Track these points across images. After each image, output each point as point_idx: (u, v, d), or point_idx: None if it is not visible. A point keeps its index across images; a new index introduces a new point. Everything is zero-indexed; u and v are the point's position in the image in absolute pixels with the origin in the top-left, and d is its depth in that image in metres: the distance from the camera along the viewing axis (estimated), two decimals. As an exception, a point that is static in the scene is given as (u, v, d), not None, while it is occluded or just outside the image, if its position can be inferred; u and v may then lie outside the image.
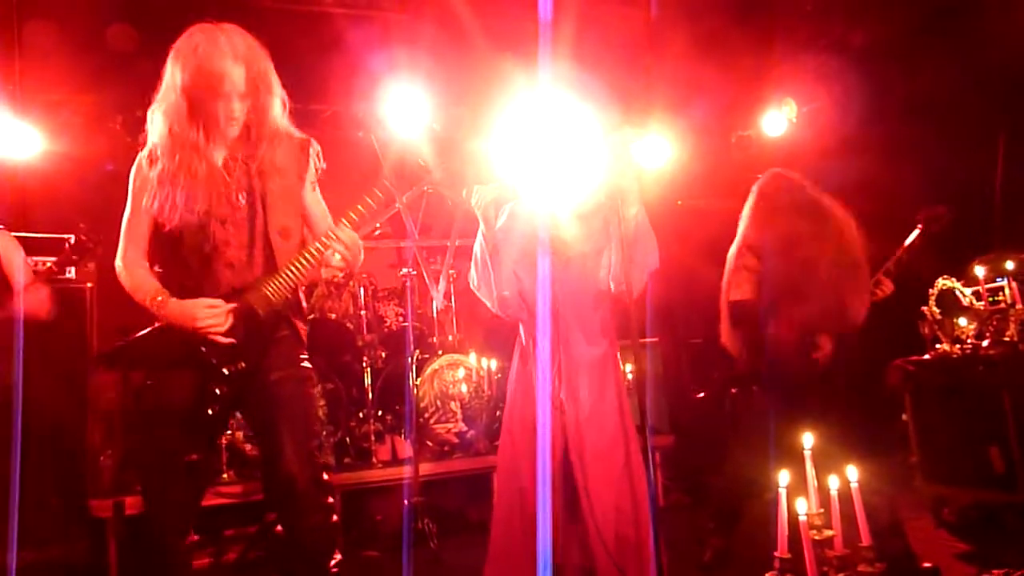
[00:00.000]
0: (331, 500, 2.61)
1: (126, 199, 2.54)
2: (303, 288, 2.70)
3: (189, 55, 2.39)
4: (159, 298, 2.43)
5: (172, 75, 2.43)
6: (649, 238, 2.86)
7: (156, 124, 2.49)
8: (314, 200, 2.66)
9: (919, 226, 3.42)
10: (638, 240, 2.78)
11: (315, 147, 2.64)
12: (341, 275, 2.67)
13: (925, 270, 3.95)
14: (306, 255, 2.47)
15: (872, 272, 3.41)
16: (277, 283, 2.46)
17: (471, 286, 3.08)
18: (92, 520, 3.93)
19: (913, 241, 3.44)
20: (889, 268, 3.46)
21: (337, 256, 2.48)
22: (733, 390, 3.59)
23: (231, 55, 2.38)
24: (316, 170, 2.64)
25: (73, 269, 3.96)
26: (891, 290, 3.44)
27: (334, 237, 2.45)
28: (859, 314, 3.25)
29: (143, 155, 2.54)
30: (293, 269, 2.46)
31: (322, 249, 2.46)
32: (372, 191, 2.51)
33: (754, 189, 3.56)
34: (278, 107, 2.53)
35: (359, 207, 2.49)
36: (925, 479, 4.06)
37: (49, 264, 3.27)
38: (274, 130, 2.53)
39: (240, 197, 2.48)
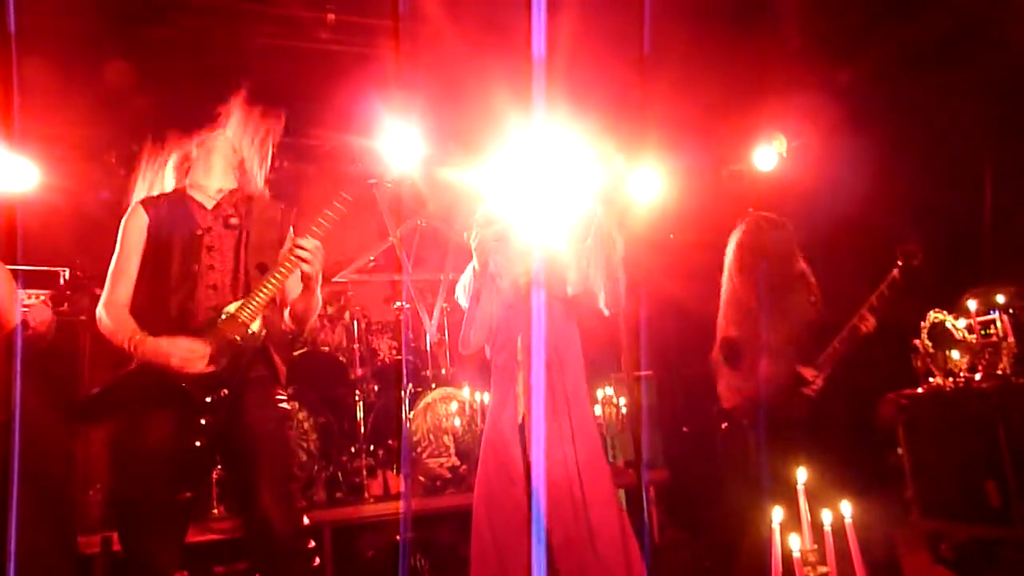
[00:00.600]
0: (312, 544, 2.58)
1: (116, 242, 2.59)
2: (288, 321, 2.73)
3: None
4: (136, 337, 2.45)
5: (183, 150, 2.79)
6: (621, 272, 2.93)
7: (165, 169, 2.78)
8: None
9: (899, 262, 3.47)
10: (619, 271, 2.85)
11: (293, 215, 2.82)
12: (308, 292, 2.69)
13: (914, 304, 3.99)
14: (275, 275, 2.54)
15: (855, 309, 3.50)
16: (250, 307, 2.52)
17: (459, 301, 3.14)
18: (79, 557, 3.87)
19: (894, 277, 3.49)
20: (872, 303, 3.49)
21: (309, 269, 2.56)
22: (724, 425, 3.59)
23: (224, 157, 2.80)
24: (292, 234, 2.78)
25: (66, 303, 3.95)
26: (874, 325, 3.48)
27: (299, 247, 2.52)
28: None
29: (137, 198, 2.66)
30: (264, 289, 2.54)
31: (289, 267, 2.54)
32: (333, 202, 2.62)
33: (736, 231, 3.70)
34: (265, 168, 2.81)
35: (320, 220, 2.59)
36: (921, 514, 4.04)
37: (43, 298, 3.27)
38: (261, 188, 2.79)
39: (226, 229, 2.64)
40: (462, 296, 3.15)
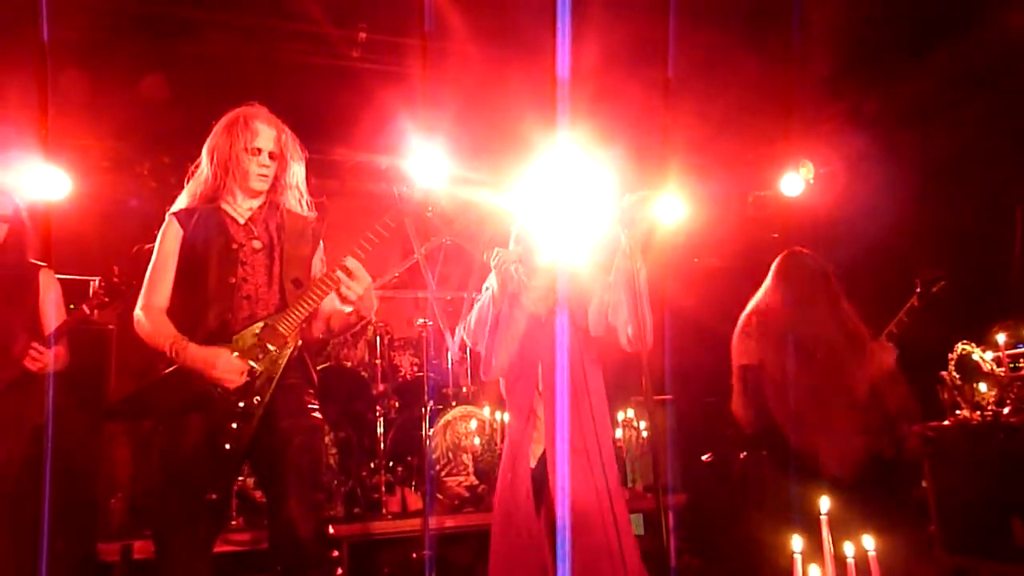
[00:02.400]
0: (336, 554, 2.60)
1: (153, 252, 2.63)
2: (320, 333, 2.77)
3: (233, 121, 2.73)
4: (179, 343, 2.50)
5: (216, 139, 2.74)
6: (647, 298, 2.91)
7: (199, 176, 2.76)
8: (320, 271, 2.80)
9: (917, 289, 3.46)
10: (644, 297, 2.83)
11: (324, 227, 2.86)
12: (355, 318, 2.70)
13: (936, 334, 3.95)
14: (316, 290, 2.59)
15: (875, 337, 3.46)
16: (287, 320, 2.57)
17: (464, 335, 3.12)
18: (99, 564, 3.90)
19: (913, 304, 3.46)
20: (892, 331, 3.47)
21: (349, 292, 2.57)
22: (743, 454, 3.56)
23: (266, 120, 2.74)
24: (323, 249, 2.85)
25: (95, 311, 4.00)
26: (895, 353, 3.44)
27: (341, 270, 2.55)
28: (862, 389, 3.32)
29: (174, 209, 2.71)
30: (301, 306, 2.58)
31: (329, 282, 2.57)
32: (377, 225, 2.64)
33: (774, 264, 3.63)
34: (301, 179, 2.81)
35: (363, 242, 2.61)
36: (944, 549, 3.97)
37: (82, 306, 3.33)
38: (294, 202, 2.79)
39: (257, 244, 2.68)
40: (472, 319, 3.13)
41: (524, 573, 2.82)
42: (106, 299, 3.30)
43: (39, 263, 3.48)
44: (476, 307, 3.15)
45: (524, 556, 2.83)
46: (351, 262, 2.57)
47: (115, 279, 3.28)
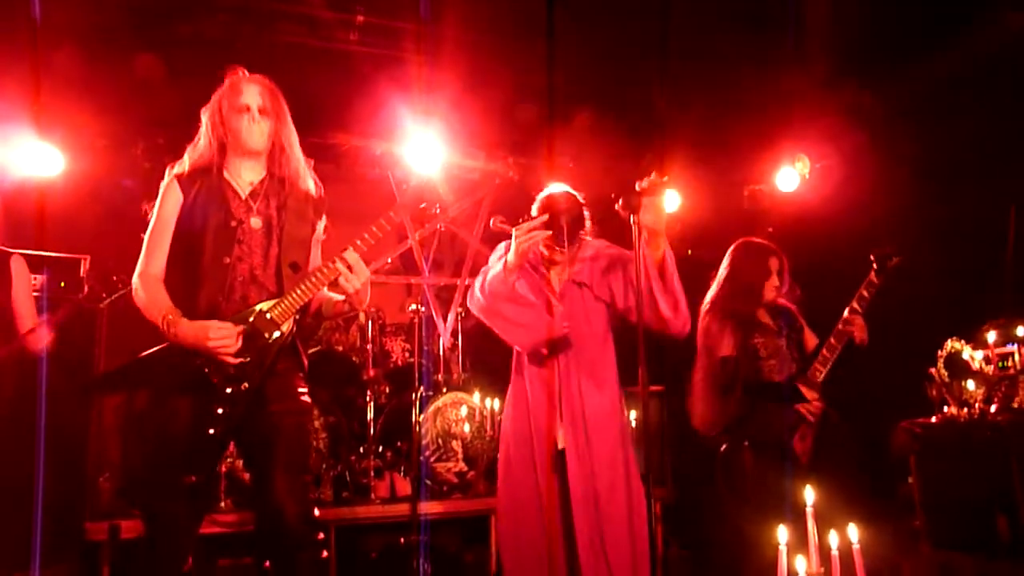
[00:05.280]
0: (321, 536, 2.60)
1: (149, 216, 2.62)
2: (312, 316, 2.75)
3: (223, 87, 2.70)
4: (171, 316, 2.47)
5: (210, 106, 2.69)
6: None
7: (197, 144, 2.70)
8: (317, 255, 2.78)
9: (873, 264, 3.52)
10: (675, 275, 2.82)
11: (325, 205, 2.80)
12: (347, 307, 2.68)
13: (926, 331, 4.00)
14: (313, 279, 2.55)
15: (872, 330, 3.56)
16: (282, 307, 2.53)
17: (473, 307, 3.06)
18: (86, 543, 3.90)
19: (871, 279, 3.54)
20: (855, 307, 3.54)
21: (347, 285, 2.54)
22: (723, 447, 3.59)
23: (251, 79, 2.70)
24: (324, 228, 2.79)
25: (85, 290, 3.99)
26: (863, 325, 3.53)
27: (342, 261, 2.52)
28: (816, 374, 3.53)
29: (176, 171, 2.65)
30: (299, 291, 2.54)
31: (328, 273, 2.54)
32: (380, 219, 2.60)
33: (729, 251, 3.80)
34: (295, 142, 2.72)
35: (366, 235, 2.58)
36: (930, 544, 4.00)
37: (64, 285, 3.32)
38: (295, 174, 2.72)
39: (256, 222, 2.62)
40: (478, 289, 3.02)
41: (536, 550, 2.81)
42: (103, 295, 3.30)
43: (9, 250, 3.46)
44: (485, 281, 3.03)
45: (537, 534, 2.82)
46: (351, 255, 2.53)
47: (113, 277, 3.28)
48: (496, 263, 2.98)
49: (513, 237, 2.87)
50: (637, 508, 2.82)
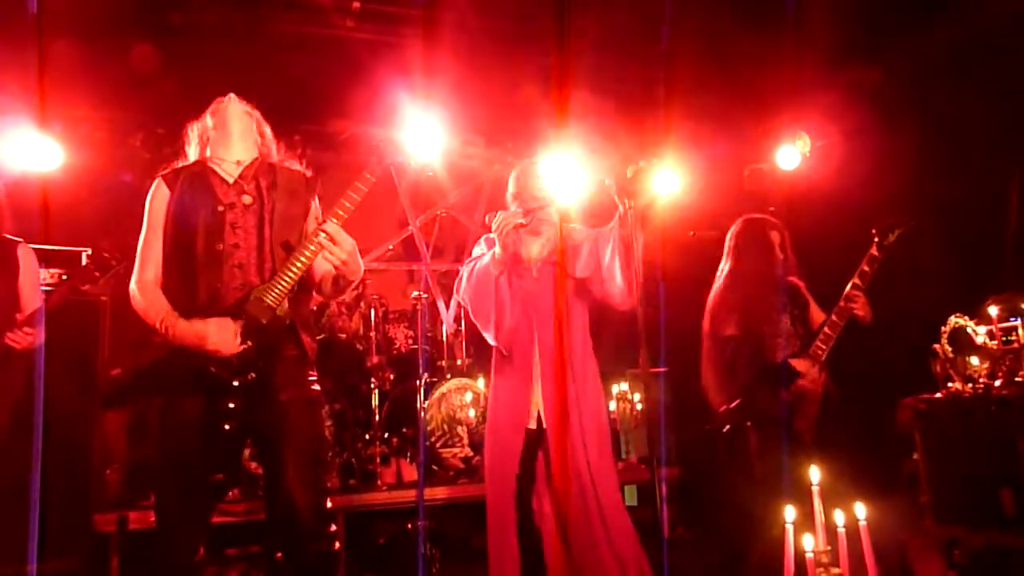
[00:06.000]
0: (333, 528, 2.60)
1: (143, 220, 2.60)
2: (314, 302, 2.75)
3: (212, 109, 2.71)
4: (169, 320, 2.47)
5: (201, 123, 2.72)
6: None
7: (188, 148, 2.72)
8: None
9: (875, 238, 3.51)
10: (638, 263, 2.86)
11: (318, 184, 2.79)
12: (342, 280, 2.66)
13: (930, 306, 4.00)
14: (300, 257, 2.51)
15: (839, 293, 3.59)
16: (276, 289, 2.49)
17: (465, 303, 3.12)
18: (95, 534, 3.92)
19: (872, 253, 3.52)
20: (857, 283, 3.53)
21: (332, 258, 2.52)
22: (726, 428, 3.60)
23: (243, 105, 2.73)
24: (319, 208, 2.76)
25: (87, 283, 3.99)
26: (865, 302, 3.53)
27: (324, 233, 2.49)
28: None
29: (161, 174, 2.65)
30: (288, 273, 2.50)
31: (313, 250, 2.51)
32: (355, 184, 2.57)
33: (730, 231, 3.85)
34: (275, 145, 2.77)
35: (344, 201, 2.54)
36: (935, 520, 4.01)
37: (67, 278, 3.31)
38: (282, 158, 2.73)
39: (247, 198, 2.60)
40: (470, 287, 3.10)
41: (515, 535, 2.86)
42: (96, 274, 3.27)
43: (15, 239, 3.45)
44: (471, 273, 3.10)
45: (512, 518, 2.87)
46: (330, 226, 2.49)
47: (105, 253, 3.25)
48: (483, 258, 3.05)
49: (494, 229, 2.95)
50: (606, 482, 2.87)
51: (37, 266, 3.46)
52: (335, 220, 2.51)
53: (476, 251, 3.15)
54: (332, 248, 2.49)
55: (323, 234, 2.48)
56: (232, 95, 2.72)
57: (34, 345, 3.26)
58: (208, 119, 2.72)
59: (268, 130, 2.75)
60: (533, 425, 3.00)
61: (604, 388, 3.18)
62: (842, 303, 3.52)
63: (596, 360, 3.12)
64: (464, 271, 3.12)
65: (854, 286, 3.53)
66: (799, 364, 3.49)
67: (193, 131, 2.75)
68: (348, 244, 2.51)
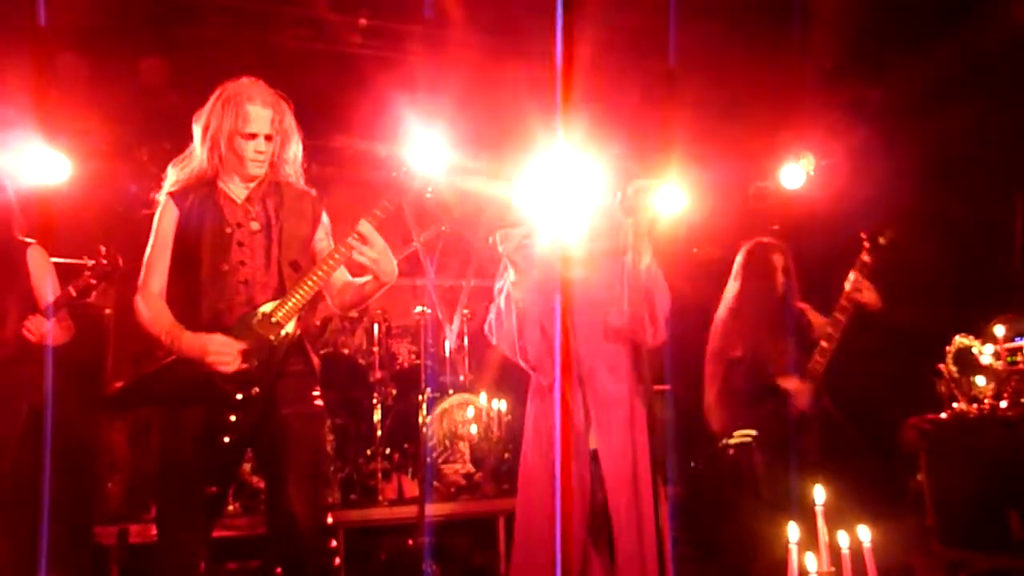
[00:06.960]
0: (334, 543, 2.59)
1: (150, 233, 2.61)
2: (320, 318, 2.75)
3: (226, 100, 2.59)
4: (173, 331, 2.47)
5: (208, 117, 2.61)
6: (662, 287, 2.88)
7: (191, 155, 2.66)
8: (325, 249, 2.73)
9: (865, 244, 3.54)
10: (654, 288, 2.80)
11: (323, 205, 2.78)
12: (369, 287, 2.66)
13: (935, 327, 4.00)
14: (316, 275, 2.53)
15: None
16: (286, 307, 2.51)
17: (490, 338, 3.06)
18: (95, 547, 3.91)
19: (863, 260, 3.55)
20: (847, 293, 3.56)
21: (362, 258, 2.53)
22: (731, 450, 3.60)
23: (260, 100, 2.58)
24: (327, 225, 2.77)
25: (93, 294, 4.00)
26: (870, 286, 3.55)
27: (356, 234, 2.52)
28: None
29: (170, 189, 2.64)
30: (302, 290, 2.52)
31: (332, 264, 2.54)
32: (379, 204, 2.60)
33: (740, 253, 3.88)
34: (298, 154, 2.71)
35: (377, 211, 2.58)
36: (941, 542, 3.97)
37: (69, 290, 3.31)
38: (292, 176, 2.70)
39: (256, 224, 2.60)
40: (503, 314, 3.03)
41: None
42: (93, 281, 3.27)
43: (27, 240, 3.46)
44: (494, 309, 3.05)
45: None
46: (365, 226, 2.52)
47: (103, 260, 3.25)
48: (506, 287, 2.99)
49: (499, 248, 2.94)
50: (644, 502, 2.82)
51: (49, 266, 3.46)
52: (370, 221, 2.54)
53: (498, 283, 3.10)
54: (361, 248, 2.51)
55: (355, 237, 2.51)
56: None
57: (44, 339, 3.26)
58: (220, 138, 2.66)
59: (286, 154, 2.70)
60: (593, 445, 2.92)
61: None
62: (837, 313, 3.54)
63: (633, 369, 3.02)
64: (493, 308, 3.07)
65: (847, 298, 3.55)
66: (788, 383, 3.51)
67: (204, 147, 2.71)
68: (379, 244, 2.55)
